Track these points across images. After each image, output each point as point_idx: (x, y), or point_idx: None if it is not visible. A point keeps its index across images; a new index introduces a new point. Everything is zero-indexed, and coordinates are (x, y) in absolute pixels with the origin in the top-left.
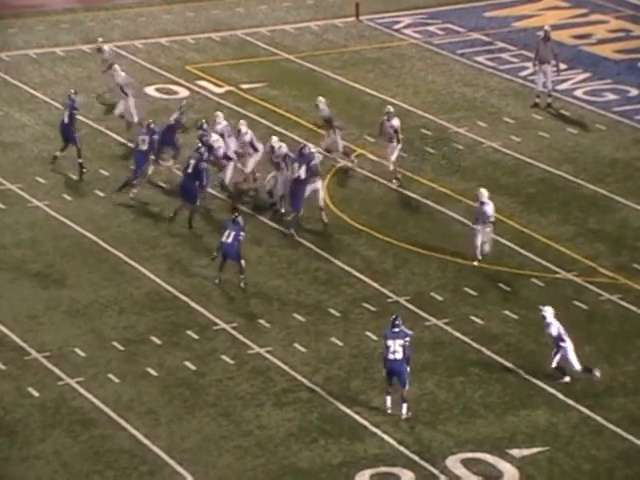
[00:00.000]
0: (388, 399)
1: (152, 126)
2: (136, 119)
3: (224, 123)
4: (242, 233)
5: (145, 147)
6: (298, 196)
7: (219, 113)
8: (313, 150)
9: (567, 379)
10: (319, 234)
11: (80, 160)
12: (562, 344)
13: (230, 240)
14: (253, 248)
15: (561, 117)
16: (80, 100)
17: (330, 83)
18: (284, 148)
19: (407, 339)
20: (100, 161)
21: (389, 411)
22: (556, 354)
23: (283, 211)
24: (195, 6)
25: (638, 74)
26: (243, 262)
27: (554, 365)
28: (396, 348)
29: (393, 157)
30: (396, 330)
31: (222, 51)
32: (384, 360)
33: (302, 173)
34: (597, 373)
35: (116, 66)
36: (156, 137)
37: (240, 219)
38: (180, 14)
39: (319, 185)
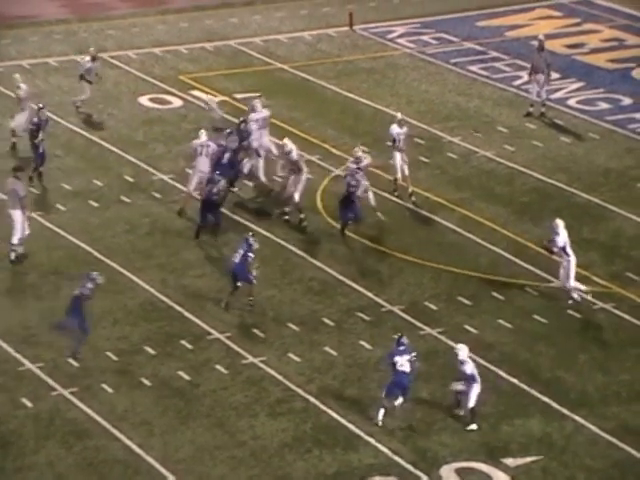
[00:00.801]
0: (382, 412)
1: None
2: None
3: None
4: (250, 254)
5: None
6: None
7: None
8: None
9: (461, 412)
10: (313, 243)
11: (31, 174)
12: (474, 384)
13: (238, 260)
14: None
15: (555, 126)
16: (42, 116)
17: (324, 93)
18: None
19: (413, 354)
20: (94, 171)
21: (379, 424)
22: (466, 393)
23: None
24: (189, 16)
25: (631, 83)
26: (254, 282)
27: (459, 401)
28: (403, 363)
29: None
30: (402, 348)
31: (216, 61)
32: (394, 373)
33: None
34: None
35: (20, 83)
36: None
37: (252, 239)
38: (174, 24)
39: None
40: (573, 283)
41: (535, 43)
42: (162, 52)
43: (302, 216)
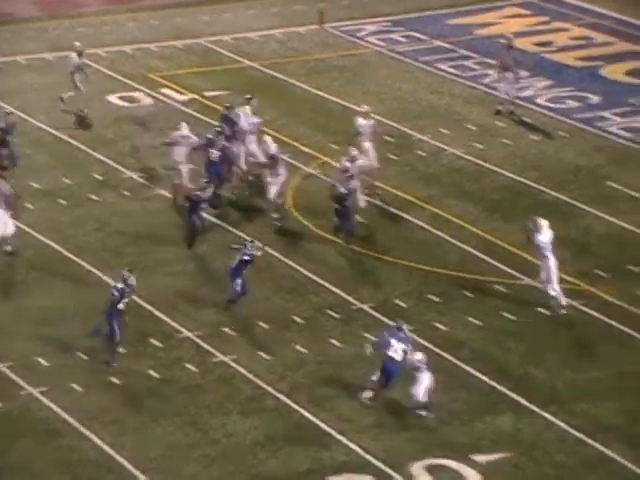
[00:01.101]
0: (369, 393)
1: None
2: None
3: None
4: (245, 257)
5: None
6: None
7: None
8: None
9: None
10: (284, 242)
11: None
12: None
13: (234, 264)
14: (217, 256)
15: (524, 124)
16: (10, 120)
17: (294, 91)
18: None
19: (410, 347)
20: (63, 169)
21: (369, 402)
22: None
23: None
24: (159, 14)
25: (600, 81)
26: (237, 289)
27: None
28: (397, 349)
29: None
30: (402, 335)
31: (186, 59)
32: (385, 357)
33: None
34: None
35: None
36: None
37: (250, 245)
38: (144, 22)
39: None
40: (557, 288)
41: (505, 42)
42: (132, 50)
43: (276, 215)
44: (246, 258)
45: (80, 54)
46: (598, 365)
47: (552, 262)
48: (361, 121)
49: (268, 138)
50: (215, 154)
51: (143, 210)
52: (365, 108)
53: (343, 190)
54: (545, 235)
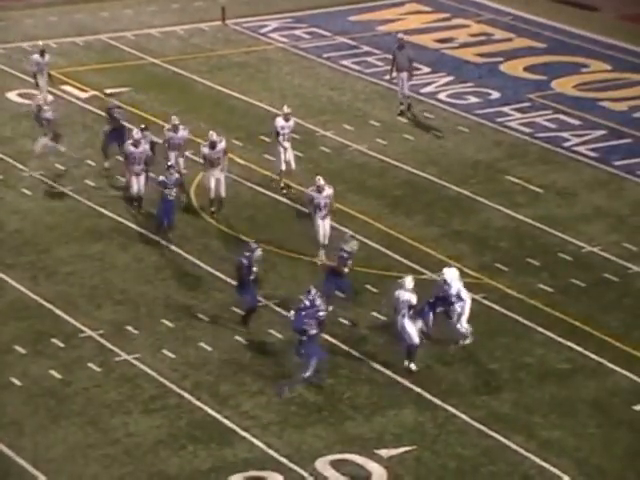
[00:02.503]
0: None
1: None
2: None
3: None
4: (243, 260)
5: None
6: None
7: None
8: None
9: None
10: (187, 239)
11: None
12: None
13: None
14: (119, 255)
15: (425, 120)
16: None
17: (196, 87)
18: (224, 142)
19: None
20: None
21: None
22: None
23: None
24: (58, 10)
25: (499, 77)
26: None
27: None
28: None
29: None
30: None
31: (86, 55)
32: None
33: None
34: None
35: None
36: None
37: (253, 245)
38: (42, 18)
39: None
40: (466, 325)
41: (406, 38)
42: (31, 47)
43: (213, 209)
44: (245, 263)
45: (43, 52)
46: (498, 357)
47: (468, 302)
48: (281, 122)
49: (214, 134)
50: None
51: (43, 209)
52: (286, 109)
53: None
54: (455, 285)
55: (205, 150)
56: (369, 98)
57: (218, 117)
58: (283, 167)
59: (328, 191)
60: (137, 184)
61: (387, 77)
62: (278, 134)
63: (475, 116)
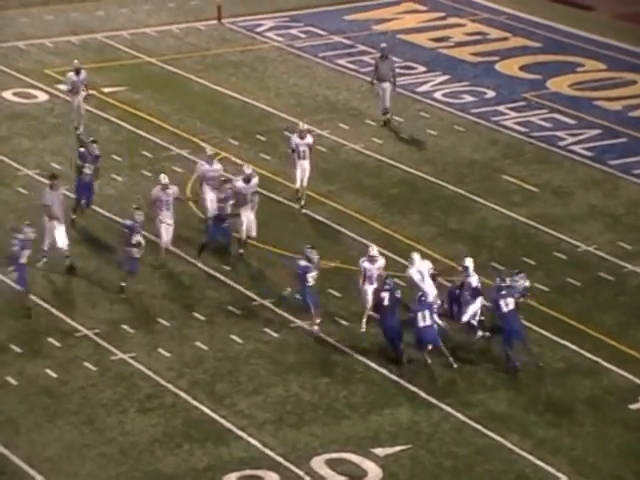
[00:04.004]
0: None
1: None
2: None
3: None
4: (305, 264)
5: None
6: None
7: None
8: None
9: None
10: (182, 238)
11: None
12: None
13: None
14: (115, 254)
15: (421, 119)
16: None
17: (192, 86)
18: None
19: (435, 306)
20: None
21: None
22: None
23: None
24: (53, 9)
25: (494, 76)
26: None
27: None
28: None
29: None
30: (423, 300)
31: (82, 54)
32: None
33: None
34: None
35: None
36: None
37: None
38: (38, 17)
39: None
40: (467, 318)
41: (402, 38)
42: (26, 45)
43: (241, 251)
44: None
45: (78, 71)
46: (493, 356)
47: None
48: (296, 139)
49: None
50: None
51: (38, 208)
52: (302, 126)
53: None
54: (416, 269)
55: (239, 184)
56: (365, 97)
57: (214, 116)
58: (297, 184)
59: (380, 262)
60: (166, 234)
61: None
62: (293, 151)
63: (471, 115)
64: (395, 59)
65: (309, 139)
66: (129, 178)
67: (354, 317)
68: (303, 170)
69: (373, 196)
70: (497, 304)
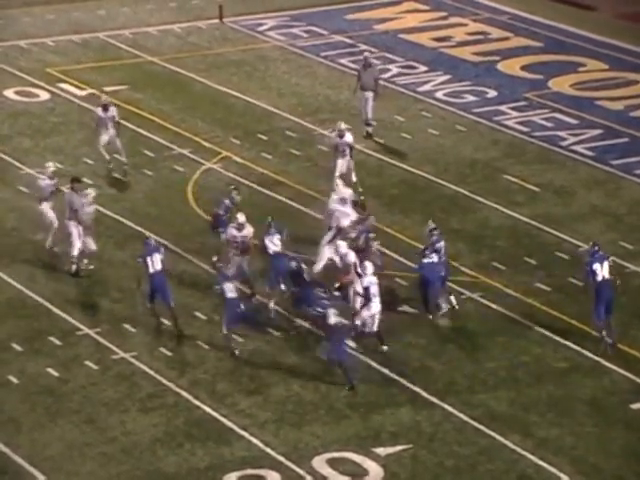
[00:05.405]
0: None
1: None
2: None
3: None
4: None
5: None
6: None
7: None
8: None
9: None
10: (184, 236)
11: None
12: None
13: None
14: (116, 253)
15: (423, 118)
16: None
17: (194, 85)
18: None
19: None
20: None
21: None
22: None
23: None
24: (55, 8)
25: (496, 76)
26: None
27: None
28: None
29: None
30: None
31: (84, 53)
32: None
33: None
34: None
35: None
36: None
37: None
38: (39, 16)
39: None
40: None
41: (404, 37)
42: (28, 44)
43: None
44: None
45: (106, 107)
46: (495, 356)
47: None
48: (335, 139)
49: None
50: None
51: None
52: (341, 126)
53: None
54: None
55: (233, 232)
56: None
57: (215, 115)
58: (336, 182)
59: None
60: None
61: (393, 70)
62: (336, 149)
63: (472, 115)
64: (397, 58)
65: (349, 137)
66: (130, 177)
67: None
68: (347, 168)
69: (374, 196)
70: (592, 270)
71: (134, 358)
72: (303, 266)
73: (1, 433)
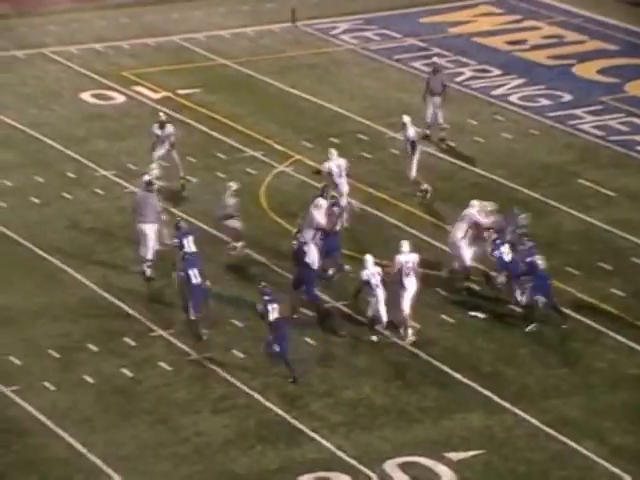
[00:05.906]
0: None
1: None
2: None
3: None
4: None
5: None
6: None
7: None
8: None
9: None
10: (258, 241)
11: None
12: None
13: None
14: None
15: (496, 122)
16: None
17: (266, 89)
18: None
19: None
20: (34, 167)
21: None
22: None
23: None
24: (129, 12)
25: (570, 79)
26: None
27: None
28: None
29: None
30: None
31: (158, 57)
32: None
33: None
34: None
35: None
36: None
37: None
38: (114, 20)
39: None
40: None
41: (478, 40)
42: (103, 48)
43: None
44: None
45: (162, 125)
46: (567, 361)
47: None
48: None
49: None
50: None
51: (114, 208)
52: (405, 118)
53: None
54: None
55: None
56: None
57: (287, 118)
58: (413, 174)
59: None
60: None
61: (466, 74)
62: (412, 143)
63: (546, 119)
64: (470, 61)
65: (414, 130)
66: (202, 179)
67: (426, 320)
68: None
69: (444, 199)
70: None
71: (207, 359)
72: (305, 248)
73: (76, 432)
